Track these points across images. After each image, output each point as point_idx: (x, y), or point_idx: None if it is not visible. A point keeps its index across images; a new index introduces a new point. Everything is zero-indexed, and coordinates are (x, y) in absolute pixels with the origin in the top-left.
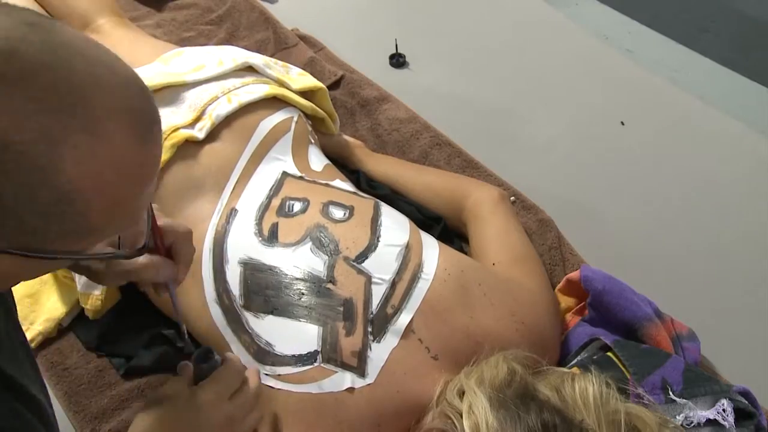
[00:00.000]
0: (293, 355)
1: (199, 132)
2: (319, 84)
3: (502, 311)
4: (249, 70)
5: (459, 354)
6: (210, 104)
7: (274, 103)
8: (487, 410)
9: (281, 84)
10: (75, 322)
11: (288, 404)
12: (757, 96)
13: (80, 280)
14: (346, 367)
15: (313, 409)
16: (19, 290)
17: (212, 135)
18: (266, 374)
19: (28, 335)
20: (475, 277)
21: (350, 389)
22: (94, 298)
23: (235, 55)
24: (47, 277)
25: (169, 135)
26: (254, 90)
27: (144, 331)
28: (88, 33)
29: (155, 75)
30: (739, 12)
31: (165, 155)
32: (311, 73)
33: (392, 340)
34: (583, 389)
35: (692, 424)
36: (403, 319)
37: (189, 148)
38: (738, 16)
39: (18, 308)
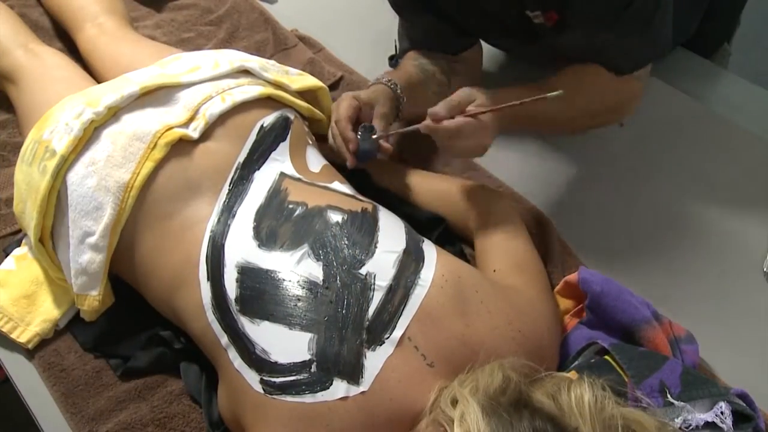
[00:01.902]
0: (288, 363)
1: (194, 131)
2: (319, 83)
3: (498, 319)
4: (245, 73)
5: (455, 361)
6: (204, 103)
7: (270, 103)
8: (479, 418)
9: (278, 85)
10: (72, 323)
11: (281, 414)
12: (757, 96)
13: (76, 281)
14: (340, 375)
15: (305, 418)
16: (15, 292)
17: (208, 136)
18: (261, 381)
19: (25, 336)
20: (472, 283)
21: (344, 398)
22: (92, 298)
23: (231, 58)
24: (42, 279)
25: (163, 134)
26: (248, 90)
27: (141, 332)
28: (89, 28)
29: (150, 77)
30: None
31: (158, 153)
32: (311, 74)
33: (388, 347)
34: (579, 396)
35: (690, 427)
36: (400, 327)
37: (184, 148)
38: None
39: (14, 309)
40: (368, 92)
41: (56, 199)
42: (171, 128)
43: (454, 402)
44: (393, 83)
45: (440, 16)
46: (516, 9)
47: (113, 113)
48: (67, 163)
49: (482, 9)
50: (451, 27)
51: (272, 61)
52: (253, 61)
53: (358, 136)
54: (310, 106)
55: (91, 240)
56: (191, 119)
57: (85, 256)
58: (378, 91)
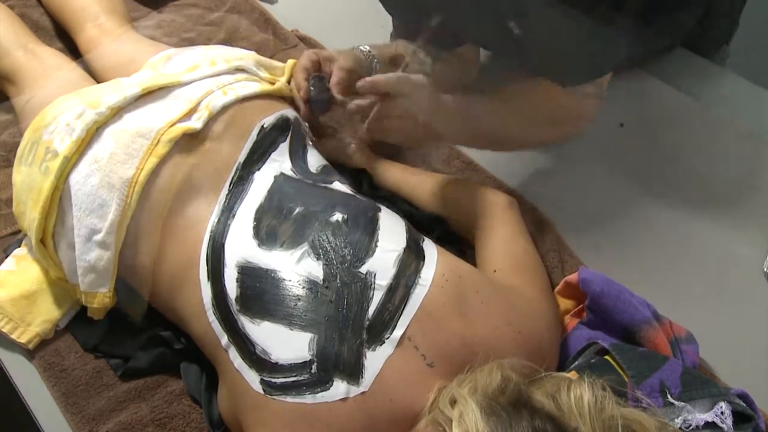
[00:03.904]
0: (288, 364)
1: (197, 122)
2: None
3: (499, 319)
4: (241, 71)
5: (455, 362)
6: (205, 97)
7: (270, 103)
8: (478, 418)
9: (273, 81)
10: (72, 323)
11: (281, 414)
12: (757, 96)
13: (84, 279)
14: (340, 375)
15: (305, 418)
16: (15, 292)
17: (210, 134)
18: (261, 382)
19: (25, 337)
20: (473, 283)
21: (344, 398)
22: (102, 295)
23: (226, 56)
24: (42, 279)
25: (166, 130)
26: (248, 86)
27: (141, 332)
28: (90, 29)
29: (147, 78)
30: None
31: (162, 149)
32: None
33: (388, 347)
34: (579, 396)
35: (690, 427)
36: (400, 326)
37: (186, 147)
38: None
39: (14, 309)
40: (333, 50)
41: (58, 199)
42: (174, 124)
43: (453, 402)
44: (368, 52)
45: (430, 17)
46: (495, 21)
47: (115, 113)
48: (70, 163)
49: (465, 19)
50: (440, 26)
51: (263, 57)
52: (248, 59)
53: (310, 86)
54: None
55: (98, 237)
56: (193, 111)
57: (93, 254)
58: (344, 51)
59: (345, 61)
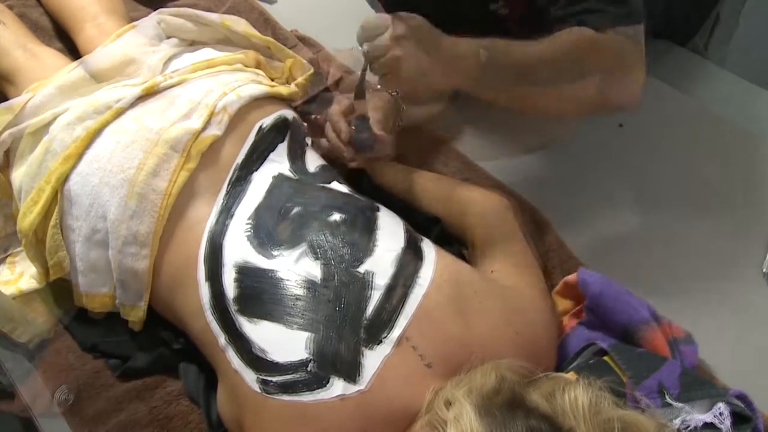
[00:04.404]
0: (286, 363)
1: (197, 122)
2: (295, 56)
3: (497, 320)
4: (240, 71)
5: (453, 362)
6: (206, 97)
7: (269, 104)
8: (473, 419)
9: (272, 80)
10: (72, 323)
11: (279, 413)
12: (757, 96)
13: (84, 279)
14: (338, 373)
15: (303, 416)
16: (15, 291)
17: (209, 135)
18: (259, 381)
19: (25, 336)
20: (471, 284)
21: (342, 397)
22: (102, 295)
23: (226, 56)
24: (42, 279)
25: (167, 130)
26: (248, 86)
27: (140, 332)
28: (89, 28)
29: (148, 78)
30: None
31: (162, 149)
32: None
33: (386, 347)
34: (576, 397)
35: (689, 428)
36: (398, 326)
37: (186, 147)
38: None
39: (14, 309)
40: (331, 49)
41: (58, 199)
42: (174, 124)
43: (448, 404)
44: (394, 90)
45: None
46: (479, 5)
47: (115, 113)
48: (70, 163)
49: (449, 7)
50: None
51: (262, 57)
52: (247, 59)
53: (352, 128)
54: (297, 90)
55: (99, 237)
56: (194, 111)
57: (93, 254)
58: (342, 51)
59: (379, 100)
